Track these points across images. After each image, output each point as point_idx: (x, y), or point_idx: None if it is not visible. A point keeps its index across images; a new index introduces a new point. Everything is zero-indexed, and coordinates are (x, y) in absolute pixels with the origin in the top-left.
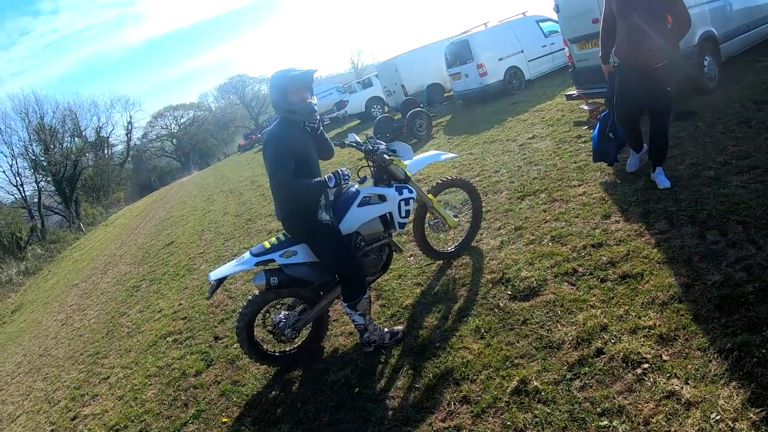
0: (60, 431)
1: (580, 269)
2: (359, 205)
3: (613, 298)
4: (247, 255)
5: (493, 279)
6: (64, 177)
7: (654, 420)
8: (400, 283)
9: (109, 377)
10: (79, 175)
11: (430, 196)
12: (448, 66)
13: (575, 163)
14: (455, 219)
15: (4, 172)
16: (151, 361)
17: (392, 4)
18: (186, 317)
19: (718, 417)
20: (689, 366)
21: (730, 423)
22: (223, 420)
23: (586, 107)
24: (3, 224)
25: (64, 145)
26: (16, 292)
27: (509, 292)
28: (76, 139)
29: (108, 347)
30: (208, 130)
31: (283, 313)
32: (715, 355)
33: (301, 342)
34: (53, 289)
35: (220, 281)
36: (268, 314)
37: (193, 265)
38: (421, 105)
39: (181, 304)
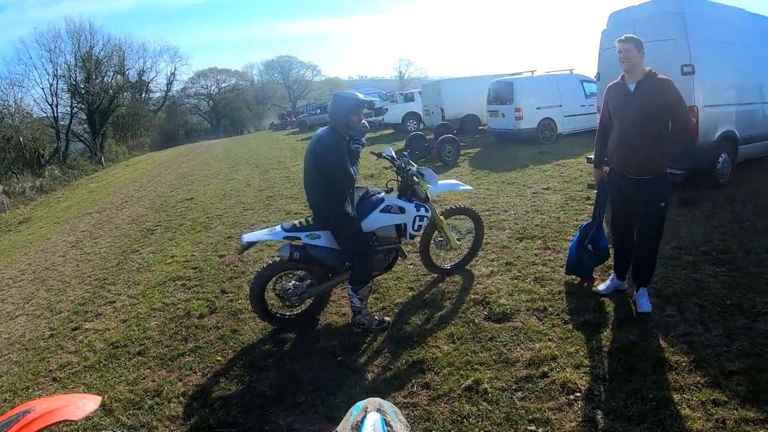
0: (59, 337)
1: (550, 309)
2: (381, 211)
3: (569, 338)
4: (278, 228)
5: (476, 299)
6: (98, 109)
7: None
8: (396, 284)
9: (114, 302)
10: (113, 111)
11: (441, 217)
12: (489, 102)
13: (576, 220)
14: (458, 242)
15: (43, 88)
16: (157, 297)
17: (453, 26)
18: (197, 267)
19: None
20: (614, 403)
21: None
22: (218, 358)
23: None
24: (29, 138)
25: (106, 79)
26: (26, 205)
27: (485, 313)
28: (118, 76)
29: (116, 276)
30: (245, 101)
31: (293, 282)
32: (638, 401)
33: (301, 311)
34: (65, 212)
35: (251, 244)
36: (279, 280)
37: (210, 224)
38: (455, 131)
39: (194, 255)
